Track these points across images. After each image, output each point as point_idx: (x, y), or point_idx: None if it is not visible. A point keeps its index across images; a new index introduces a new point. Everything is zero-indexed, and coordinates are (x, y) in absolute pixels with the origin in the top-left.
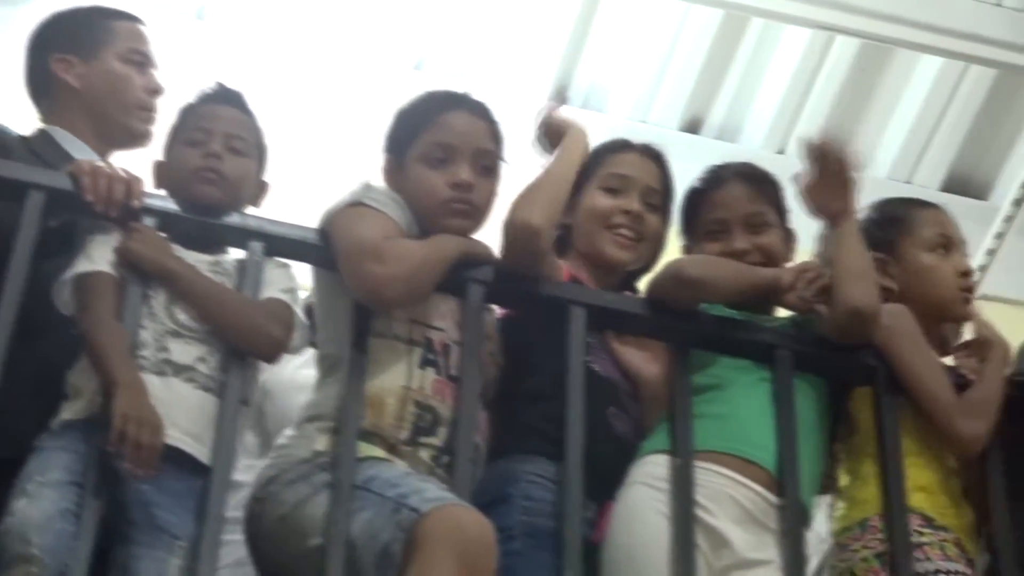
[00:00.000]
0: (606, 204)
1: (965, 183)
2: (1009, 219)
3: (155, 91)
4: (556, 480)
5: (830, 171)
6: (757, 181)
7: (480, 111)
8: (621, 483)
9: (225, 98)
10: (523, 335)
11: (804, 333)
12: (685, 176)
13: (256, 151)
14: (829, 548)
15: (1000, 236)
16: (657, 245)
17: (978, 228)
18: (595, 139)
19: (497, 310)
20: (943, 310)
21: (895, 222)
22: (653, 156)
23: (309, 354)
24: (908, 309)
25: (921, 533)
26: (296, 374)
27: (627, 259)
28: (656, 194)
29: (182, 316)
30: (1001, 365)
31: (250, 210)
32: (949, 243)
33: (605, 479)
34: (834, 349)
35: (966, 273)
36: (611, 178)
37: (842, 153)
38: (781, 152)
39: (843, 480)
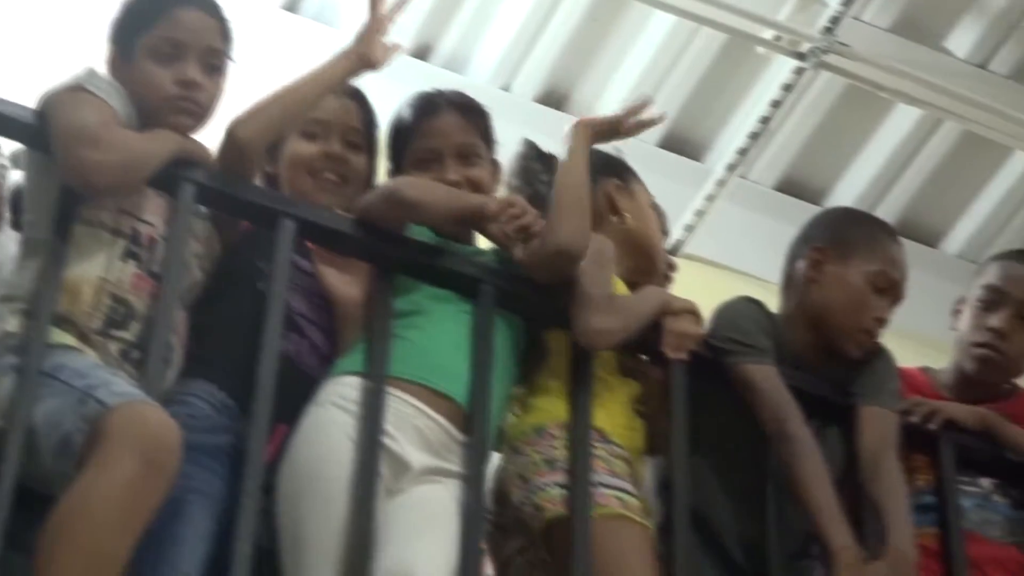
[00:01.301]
0: (307, 150)
1: (682, 142)
2: (721, 183)
3: None
4: (210, 399)
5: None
6: (470, 112)
7: (210, 8)
8: (285, 403)
9: None
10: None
11: (509, 269)
12: None
13: None
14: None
15: (710, 199)
16: (365, 186)
17: (689, 188)
18: (324, 56)
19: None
20: (653, 258)
21: (628, 166)
22: (352, 95)
23: None
24: (610, 241)
25: (594, 447)
26: None
27: (335, 203)
28: (358, 133)
29: None
30: (654, 294)
31: None
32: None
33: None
34: (538, 290)
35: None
36: (311, 123)
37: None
38: (506, 89)
39: (520, 390)
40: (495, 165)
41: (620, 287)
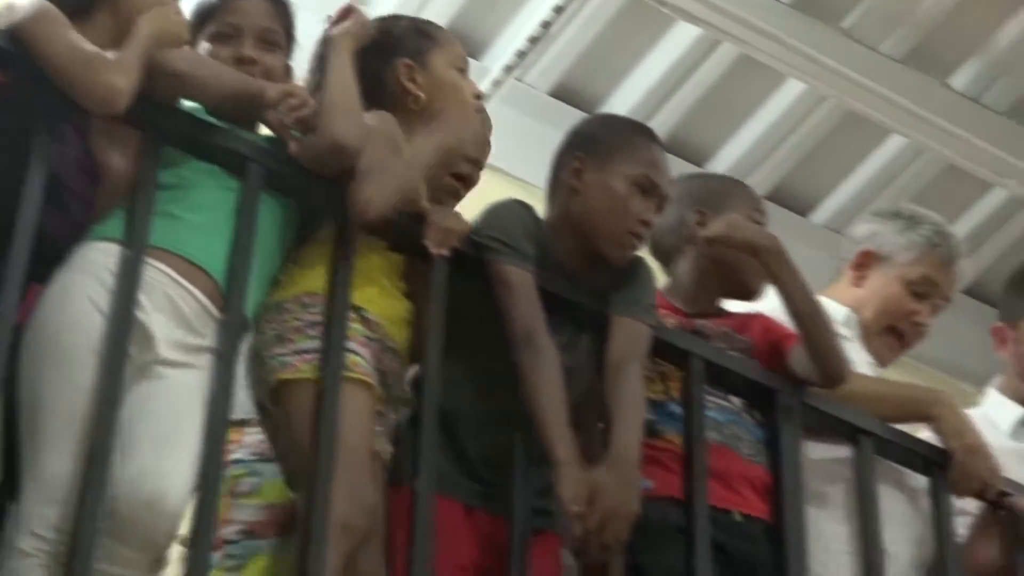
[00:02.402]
0: None
1: (461, 39)
2: (497, 83)
3: None
4: None
5: None
6: (280, 3)
7: None
8: (48, 272)
9: None
10: None
11: (280, 150)
12: None
13: None
14: None
15: (485, 99)
16: None
17: None
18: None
19: None
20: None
21: (428, 35)
22: None
23: None
24: (394, 118)
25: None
26: None
27: None
28: None
29: None
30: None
31: None
32: (465, 69)
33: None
34: (306, 172)
35: (479, 96)
36: None
37: None
38: None
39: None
40: (289, 68)
41: None
